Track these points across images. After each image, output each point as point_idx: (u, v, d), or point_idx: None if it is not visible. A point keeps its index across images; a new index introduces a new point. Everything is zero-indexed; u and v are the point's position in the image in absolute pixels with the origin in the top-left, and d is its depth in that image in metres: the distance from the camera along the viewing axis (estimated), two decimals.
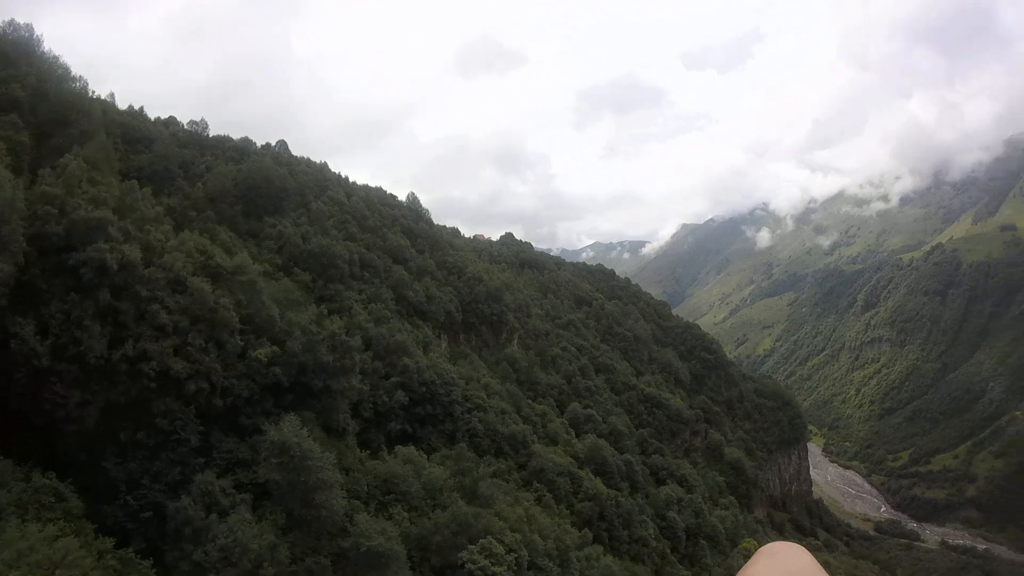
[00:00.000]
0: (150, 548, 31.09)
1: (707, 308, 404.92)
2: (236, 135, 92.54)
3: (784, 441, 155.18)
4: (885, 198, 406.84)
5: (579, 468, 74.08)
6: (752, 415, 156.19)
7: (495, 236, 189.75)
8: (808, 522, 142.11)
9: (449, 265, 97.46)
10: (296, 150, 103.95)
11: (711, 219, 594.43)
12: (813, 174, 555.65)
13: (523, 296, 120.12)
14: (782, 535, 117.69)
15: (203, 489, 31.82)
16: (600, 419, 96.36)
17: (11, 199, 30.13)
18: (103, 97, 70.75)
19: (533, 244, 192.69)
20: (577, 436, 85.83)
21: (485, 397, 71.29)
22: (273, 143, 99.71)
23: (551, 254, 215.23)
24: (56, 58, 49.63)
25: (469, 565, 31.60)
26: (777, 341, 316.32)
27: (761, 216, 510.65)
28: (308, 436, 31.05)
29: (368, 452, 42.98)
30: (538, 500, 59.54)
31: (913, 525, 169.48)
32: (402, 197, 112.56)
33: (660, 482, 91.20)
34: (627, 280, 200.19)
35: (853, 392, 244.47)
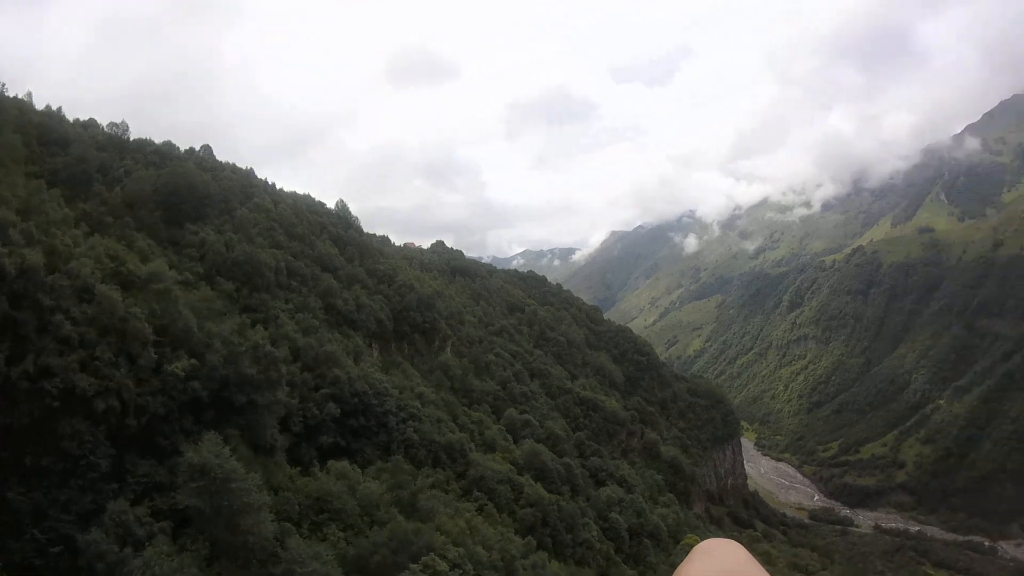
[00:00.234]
0: None
1: (637, 312, 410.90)
2: (159, 140, 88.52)
3: (718, 437, 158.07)
4: (807, 204, 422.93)
5: (519, 474, 72.75)
6: (686, 414, 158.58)
7: (426, 245, 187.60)
8: (745, 514, 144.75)
9: (379, 273, 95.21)
10: (222, 158, 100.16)
11: (640, 226, 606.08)
12: (738, 182, 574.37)
13: (455, 303, 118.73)
14: (721, 528, 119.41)
15: (116, 519, 28.57)
16: (537, 424, 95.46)
17: None
18: (20, 96, 66.44)
19: (464, 252, 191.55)
20: (515, 442, 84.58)
21: (420, 406, 69.16)
22: (197, 148, 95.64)
23: (482, 262, 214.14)
24: None
25: None
26: (707, 342, 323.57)
27: (688, 223, 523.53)
28: (231, 456, 28.11)
29: (299, 469, 40.13)
30: (479, 510, 57.76)
31: (847, 511, 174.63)
32: (331, 205, 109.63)
33: (600, 484, 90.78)
34: (559, 286, 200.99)
35: (782, 388, 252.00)
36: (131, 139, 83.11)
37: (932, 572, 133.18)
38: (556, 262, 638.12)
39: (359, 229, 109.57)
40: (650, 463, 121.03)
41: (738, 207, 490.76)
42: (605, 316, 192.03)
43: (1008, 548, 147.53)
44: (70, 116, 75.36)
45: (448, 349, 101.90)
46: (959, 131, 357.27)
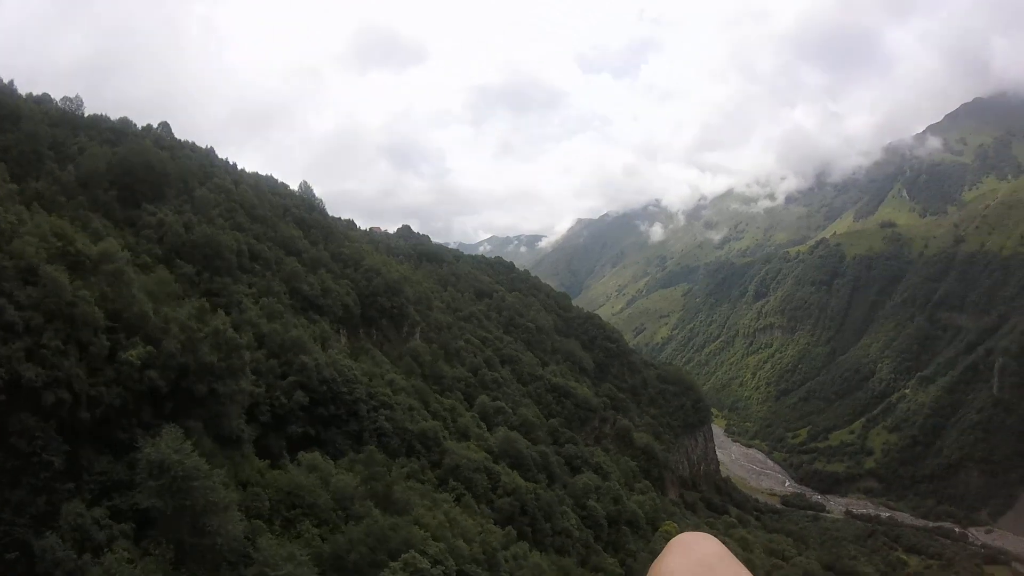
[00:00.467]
0: None
1: (604, 299, 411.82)
2: (115, 116, 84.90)
3: (689, 424, 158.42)
4: (771, 196, 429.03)
5: (495, 463, 71.14)
6: (657, 400, 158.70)
7: (391, 230, 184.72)
8: (719, 500, 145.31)
9: (345, 257, 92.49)
10: (181, 135, 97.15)
11: (606, 214, 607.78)
12: (703, 174, 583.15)
13: (423, 289, 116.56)
14: (696, 514, 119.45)
15: (72, 522, 25.68)
16: (510, 411, 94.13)
17: None
18: None
19: (430, 237, 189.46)
20: (488, 429, 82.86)
21: (391, 394, 66.81)
22: (155, 125, 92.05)
23: (449, 248, 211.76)
24: None
25: None
26: (674, 329, 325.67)
27: (654, 212, 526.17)
28: (193, 450, 25.31)
29: (268, 461, 37.54)
30: (457, 500, 55.81)
31: (817, 497, 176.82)
32: (294, 187, 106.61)
33: (575, 471, 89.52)
34: (526, 272, 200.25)
35: (749, 375, 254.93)
36: (86, 115, 79.80)
37: (904, 557, 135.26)
38: (523, 249, 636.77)
39: (323, 211, 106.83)
40: (623, 450, 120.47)
41: (703, 198, 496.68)
42: (573, 303, 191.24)
43: (978, 534, 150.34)
44: (23, 90, 71.83)
45: (417, 335, 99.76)
46: (921, 131, 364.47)
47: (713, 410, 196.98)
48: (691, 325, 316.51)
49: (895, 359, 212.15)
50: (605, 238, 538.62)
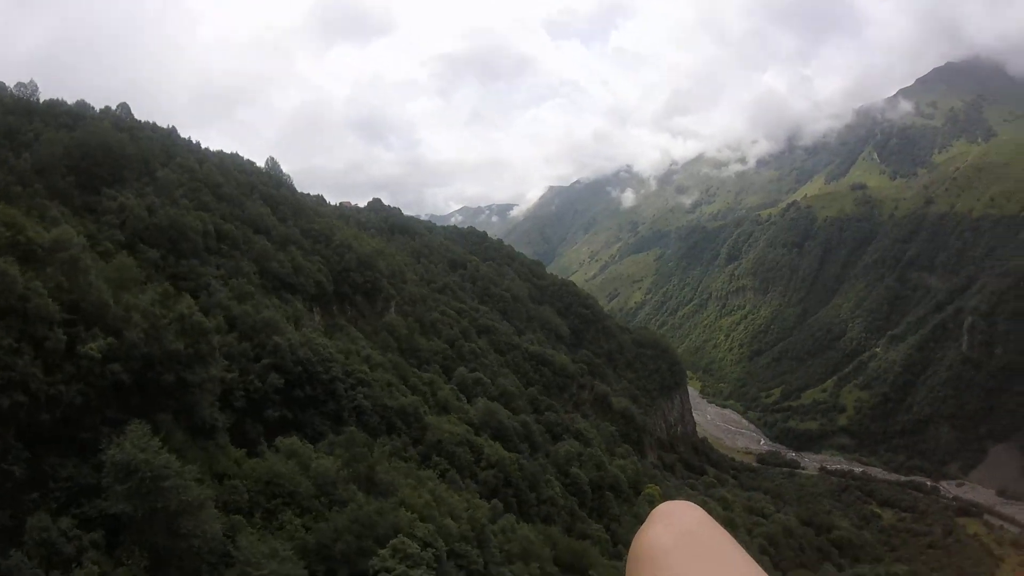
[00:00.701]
0: None
1: (577, 266, 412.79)
2: (72, 101, 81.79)
3: (665, 387, 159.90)
4: (742, 160, 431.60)
5: (476, 435, 70.41)
6: (633, 364, 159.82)
7: (361, 204, 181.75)
8: (696, 460, 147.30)
9: (315, 233, 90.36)
10: (142, 118, 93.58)
11: (577, 181, 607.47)
12: (674, 138, 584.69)
13: (396, 262, 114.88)
14: (675, 475, 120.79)
15: (38, 537, 23.86)
16: (489, 381, 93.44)
17: None
18: None
19: (401, 210, 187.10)
20: (468, 401, 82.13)
21: (368, 371, 65.37)
22: (114, 107, 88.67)
23: (421, 219, 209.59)
24: None
25: (384, 575, 26.39)
26: (647, 294, 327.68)
27: (625, 177, 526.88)
28: (162, 447, 23.66)
29: (245, 450, 36.06)
30: (442, 476, 55.01)
31: (792, 454, 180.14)
32: (261, 165, 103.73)
33: (556, 438, 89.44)
34: (499, 241, 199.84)
35: (723, 337, 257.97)
36: (41, 100, 76.24)
37: (878, 511, 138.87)
38: (494, 218, 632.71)
39: (292, 187, 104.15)
40: (602, 415, 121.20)
41: (674, 162, 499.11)
42: (547, 271, 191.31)
43: (949, 488, 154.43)
44: None
45: (392, 309, 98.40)
46: (892, 94, 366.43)
47: (688, 372, 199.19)
48: (664, 289, 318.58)
49: (866, 318, 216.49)
50: (577, 205, 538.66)
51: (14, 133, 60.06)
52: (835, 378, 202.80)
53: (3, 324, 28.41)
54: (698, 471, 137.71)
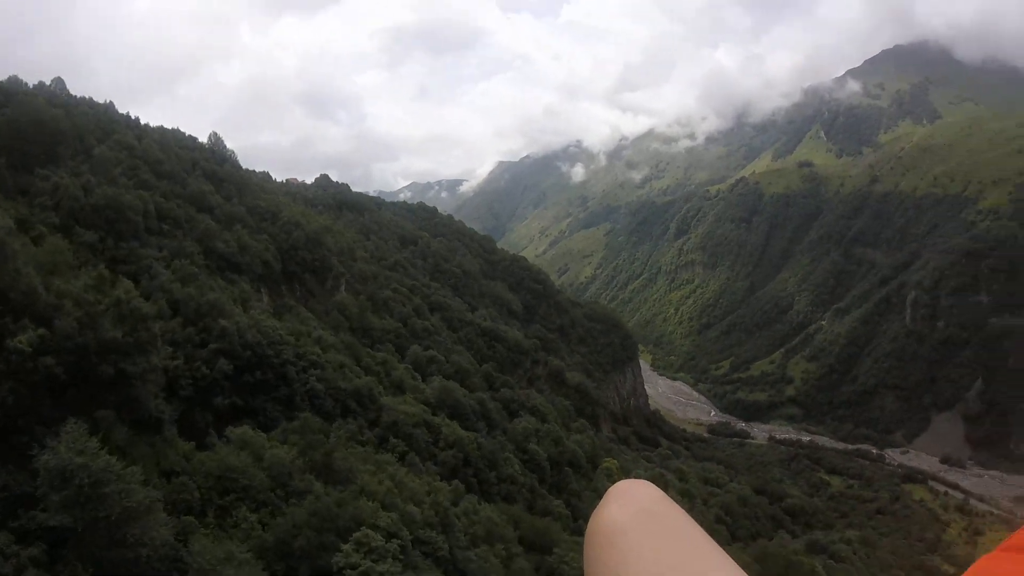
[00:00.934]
0: None
1: (528, 241, 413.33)
2: (4, 76, 76.33)
3: (618, 361, 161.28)
4: (692, 136, 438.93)
5: (433, 415, 69.18)
6: (585, 339, 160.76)
7: (308, 180, 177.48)
8: (649, 432, 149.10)
9: (261, 211, 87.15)
10: (79, 94, 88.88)
11: (527, 156, 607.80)
12: (624, 114, 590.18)
13: (346, 239, 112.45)
14: (630, 447, 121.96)
15: None
16: (443, 359, 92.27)
17: None
18: None
19: (350, 186, 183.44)
20: (423, 380, 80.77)
21: (320, 352, 63.16)
22: (48, 82, 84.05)
23: (369, 195, 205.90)
24: None
25: (348, 572, 25.03)
26: (597, 268, 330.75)
27: (575, 152, 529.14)
28: (101, 447, 21.44)
29: (194, 443, 34.00)
30: (401, 458, 53.65)
31: (742, 425, 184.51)
32: (203, 140, 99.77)
33: (513, 415, 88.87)
34: (449, 217, 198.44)
35: (672, 311, 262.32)
36: None
37: (827, 478, 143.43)
38: (444, 194, 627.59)
39: (236, 164, 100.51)
40: (557, 390, 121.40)
41: (624, 138, 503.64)
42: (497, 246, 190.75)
43: (894, 455, 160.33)
44: None
45: (342, 288, 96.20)
46: (841, 74, 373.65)
47: (639, 346, 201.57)
48: (614, 264, 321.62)
49: (812, 292, 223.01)
50: (526, 180, 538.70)
51: None
52: (783, 350, 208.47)
53: None
54: (652, 443, 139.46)
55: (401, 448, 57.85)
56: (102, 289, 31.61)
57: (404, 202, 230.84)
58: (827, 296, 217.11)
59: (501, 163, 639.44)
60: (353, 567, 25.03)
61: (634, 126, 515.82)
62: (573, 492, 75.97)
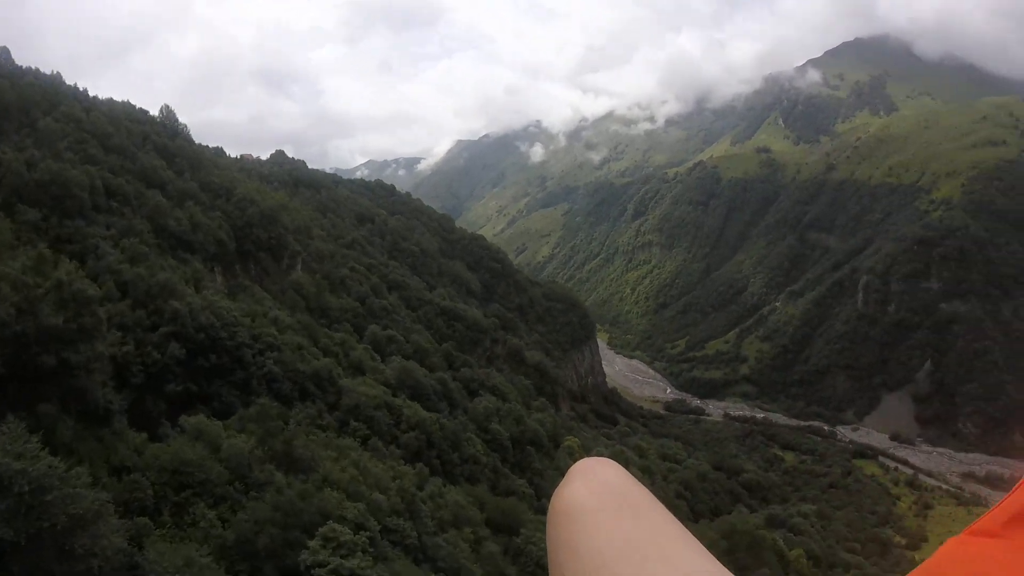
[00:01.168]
0: None
1: (485, 220, 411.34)
2: None
3: (576, 339, 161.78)
4: (652, 119, 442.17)
5: (394, 396, 67.90)
6: (544, 318, 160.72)
7: (263, 157, 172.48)
8: (607, 410, 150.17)
9: (215, 187, 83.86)
10: (24, 65, 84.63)
11: (486, 135, 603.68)
12: (584, 95, 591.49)
13: (302, 216, 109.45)
14: (588, 425, 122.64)
15: None
16: (402, 339, 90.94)
17: None
18: None
19: (306, 163, 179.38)
20: (383, 360, 79.28)
21: (277, 333, 61.03)
22: None
23: (326, 173, 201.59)
24: None
25: (317, 571, 23.73)
26: (555, 248, 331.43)
27: (534, 132, 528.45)
28: (42, 448, 19.32)
29: (146, 434, 32.01)
30: (363, 443, 52.30)
31: (697, 402, 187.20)
32: (155, 113, 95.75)
33: (473, 395, 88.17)
34: (407, 195, 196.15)
35: (629, 291, 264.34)
36: None
37: (781, 453, 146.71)
38: (401, 172, 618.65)
39: (188, 138, 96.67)
40: (516, 368, 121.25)
41: (584, 119, 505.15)
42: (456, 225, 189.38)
43: (846, 432, 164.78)
44: None
45: (299, 266, 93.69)
46: (801, 64, 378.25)
47: (597, 324, 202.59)
48: (572, 244, 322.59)
49: (767, 275, 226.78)
50: (485, 159, 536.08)
51: None
52: (737, 330, 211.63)
53: None
54: (610, 420, 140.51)
55: (363, 432, 56.44)
56: (42, 271, 29.21)
57: (362, 179, 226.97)
58: (782, 279, 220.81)
59: (460, 142, 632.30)
60: (322, 565, 23.72)
61: (594, 107, 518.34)
62: (536, 471, 75.74)
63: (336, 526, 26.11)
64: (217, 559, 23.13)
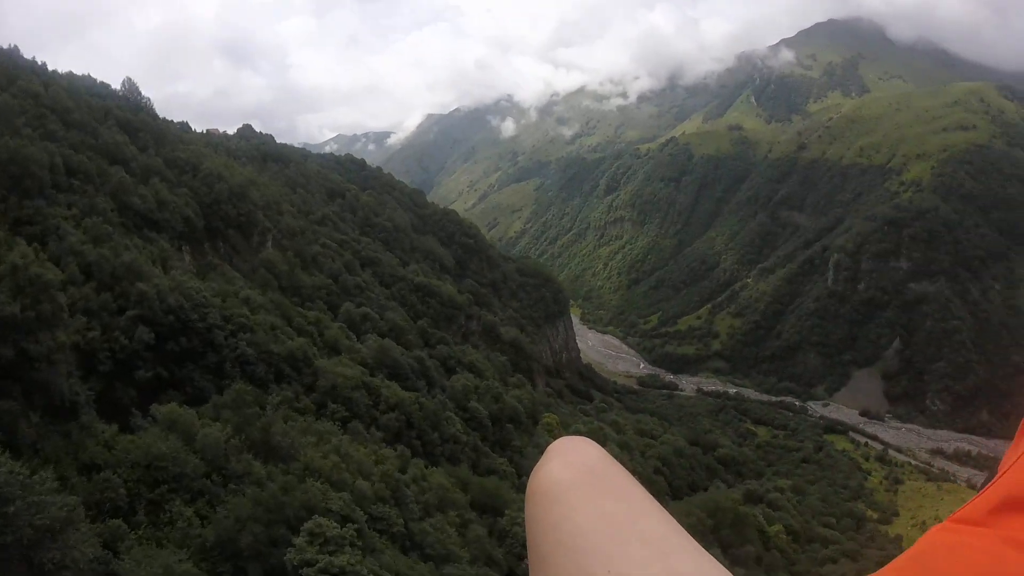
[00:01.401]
0: None
1: (456, 195, 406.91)
2: None
3: (550, 315, 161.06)
4: (624, 95, 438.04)
5: (372, 376, 66.53)
6: (517, 294, 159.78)
7: (230, 132, 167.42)
8: (582, 385, 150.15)
9: (181, 163, 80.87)
10: None
11: (457, 109, 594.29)
12: (556, 70, 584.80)
13: (271, 192, 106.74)
14: (564, 401, 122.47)
15: None
16: (377, 316, 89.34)
17: None
18: None
19: (275, 137, 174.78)
20: (358, 339, 77.72)
21: (249, 314, 59.07)
22: None
23: (295, 147, 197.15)
24: None
25: (305, 570, 22.51)
26: (527, 223, 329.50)
27: (506, 107, 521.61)
28: (2, 451, 17.97)
29: (116, 425, 30.27)
30: (342, 425, 50.96)
31: (671, 377, 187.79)
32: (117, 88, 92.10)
33: (451, 372, 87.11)
34: (378, 170, 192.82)
35: (602, 266, 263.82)
36: None
37: (753, 428, 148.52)
38: (371, 146, 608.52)
39: (152, 112, 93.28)
40: (492, 345, 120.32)
41: (556, 94, 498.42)
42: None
43: (816, 408, 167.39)
44: None
45: (269, 244, 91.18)
46: (774, 43, 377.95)
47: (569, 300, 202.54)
48: (544, 219, 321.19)
49: (738, 251, 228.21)
50: (456, 133, 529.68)
51: None
52: (709, 306, 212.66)
53: None
54: (585, 396, 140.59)
55: (341, 414, 55.05)
56: None
57: (331, 154, 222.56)
58: (753, 255, 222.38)
59: (430, 116, 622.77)
60: (310, 564, 22.51)
61: (566, 82, 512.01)
62: (516, 449, 75.09)
63: (322, 520, 24.91)
64: (198, 561, 21.81)
